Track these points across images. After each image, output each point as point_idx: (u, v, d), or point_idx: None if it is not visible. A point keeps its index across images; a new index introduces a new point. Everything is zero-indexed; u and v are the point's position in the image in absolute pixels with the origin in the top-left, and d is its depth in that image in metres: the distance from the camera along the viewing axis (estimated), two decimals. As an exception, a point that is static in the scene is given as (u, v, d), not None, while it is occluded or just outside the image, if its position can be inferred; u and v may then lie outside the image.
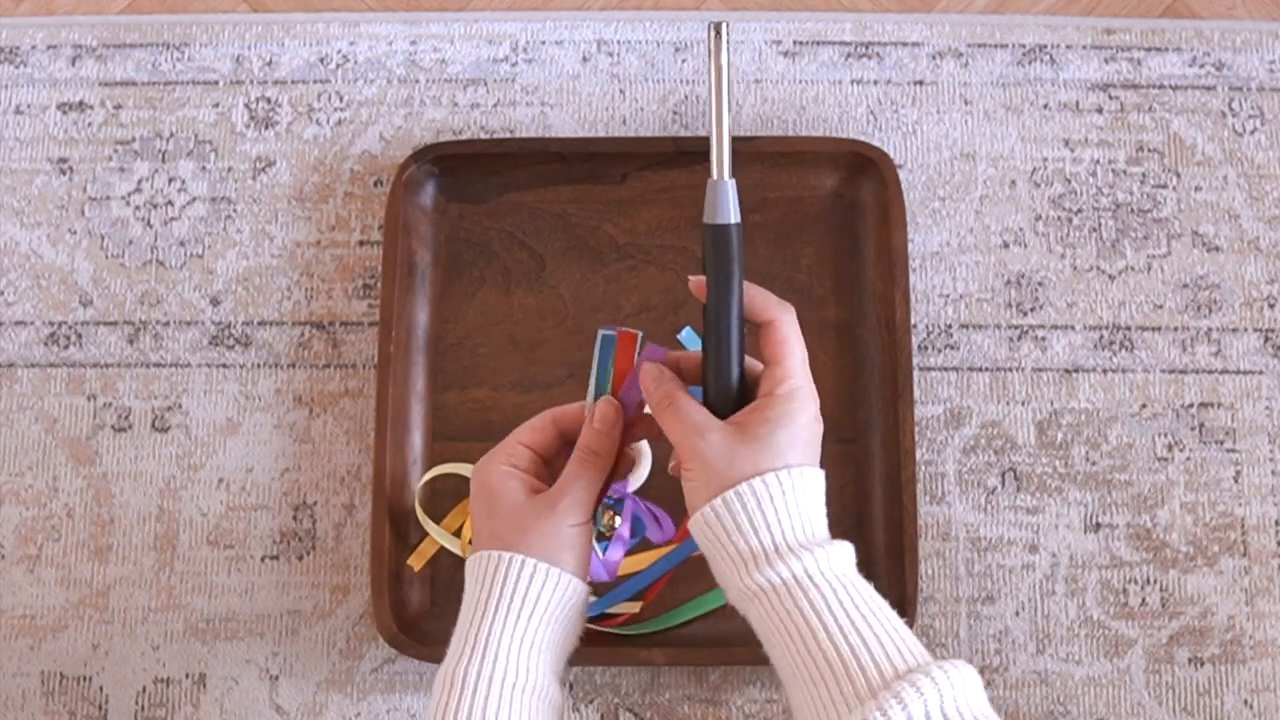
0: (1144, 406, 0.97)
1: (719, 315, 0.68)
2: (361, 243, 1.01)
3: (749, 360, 0.70)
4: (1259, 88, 1.02)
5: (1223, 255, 0.99)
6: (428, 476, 0.93)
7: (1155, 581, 0.94)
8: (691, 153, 0.98)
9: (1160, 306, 0.98)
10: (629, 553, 0.91)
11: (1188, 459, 0.96)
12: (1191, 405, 0.97)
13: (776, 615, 0.64)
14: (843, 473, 0.93)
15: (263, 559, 0.95)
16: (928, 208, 1.00)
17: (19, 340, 0.99)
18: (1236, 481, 0.95)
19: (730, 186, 0.68)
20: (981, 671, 0.69)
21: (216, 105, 1.03)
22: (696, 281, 0.69)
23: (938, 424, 0.96)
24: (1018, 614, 0.93)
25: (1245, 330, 0.98)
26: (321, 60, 1.04)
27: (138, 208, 1.02)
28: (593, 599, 0.90)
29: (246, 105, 1.03)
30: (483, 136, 1.02)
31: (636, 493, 0.93)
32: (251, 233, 1.01)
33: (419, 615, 0.92)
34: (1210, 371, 0.97)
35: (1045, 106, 1.02)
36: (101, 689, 0.94)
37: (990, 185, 1.01)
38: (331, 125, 1.03)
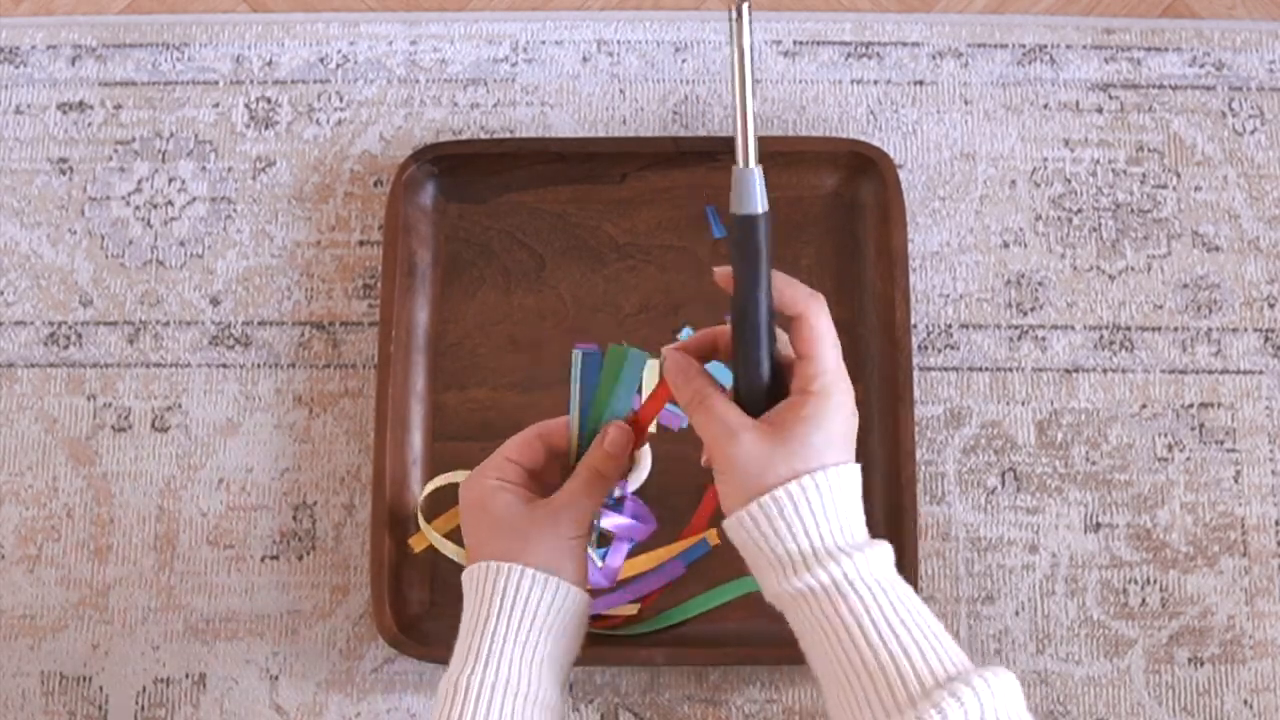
0: (1144, 406, 0.97)
1: (747, 309, 0.65)
2: (361, 243, 1.01)
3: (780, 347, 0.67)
4: (1259, 88, 1.02)
5: (1223, 255, 0.99)
6: (429, 489, 0.93)
7: (1155, 581, 0.94)
8: (691, 153, 0.98)
9: (1160, 306, 0.98)
10: (630, 555, 0.91)
11: (1188, 459, 0.96)
12: (1191, 405, 0.97)
13: (815, 619, 0.63)
14: (843, 473, 0.93)
15: (263, 559, 0.95)
16: (928, 208, 1.00)
17: (19, 340, 0.99)
18: (1236, 481, 0.95)
19: (757, 174, 0.65)
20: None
21: (216, 105, 1.03)
22: (723, 273, 0.66)
23: (938, 424, 0.96)
24: (1018, 614, 0.93)
25: (1245, 330, 0.98)
26: (321, 60, 1.04)
27: (138, 208, 1.02)
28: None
29: (246, 105, 1.03)
30: (483, 136, 1.02)
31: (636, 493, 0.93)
32: (251, 233, 1.01)
33: (419, 615, 0.92)
34: (1210, 371, 0.97)
35: (1045, 106, 1.02)
36: (101, 689, 0.94)
37: (990, 185, 1.01)
38: (331, 125, 1.03)
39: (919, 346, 0.97)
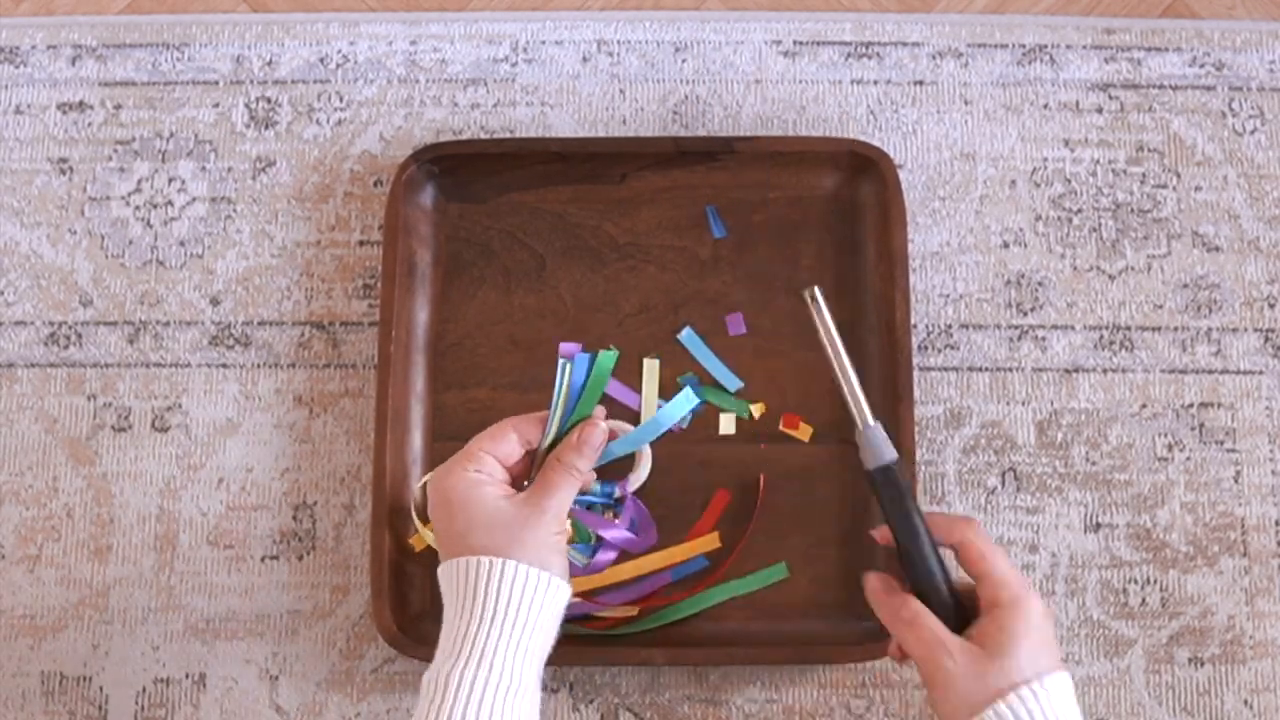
0: (1144, 406, 0.97)
1: (915, 555, 0.71)
2: (361, 243, 1.01)
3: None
4: (1259, 88, 1.02)
5: (1223, 255, 0.99)
6: (422, 481, 0.93)
7: (1155, 581, 0.94)
8: (691, 153, 0.98)
9: (1160, 306, 0.98)
10: (630, 556, 0.91)
11: (1188, 459, 0.96)
12: (1191, 405, 0.97)
13: None
14: (843, 473, 0.93)
15: (263, 559, 0.95)
16: (928, 208, 1.00)
17: (19, 340, 0.99)
18: (1236, 481, 0.95)
19: (879, 429, 0.72)
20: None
21: (216, 105, 1.03)
22: (881, 533, 0.73)
23: (938, 424, 0.96)
24: (1018, 614, 0.93)
25: (1245, 330, 0.98)
26: (321, 60, 1.04)
27: (138, 208, 1.02)
28: (575, 600, 0.90)
29: (246, 105, 1.03)
30: (483, 136, 1.02)
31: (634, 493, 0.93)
32: (251, 233, 1.01)
33: (419, 615, 0.92)
34: (1210, 371, 0.97)
35: (1045, 106, 1.02)
36: (101, 689, 0.94)
37: (990, 185, 1.01)
38: (331, 125, 1.03)
39: (919, 346, 0.97)
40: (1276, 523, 0.95)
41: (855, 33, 1.04)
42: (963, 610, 0.71)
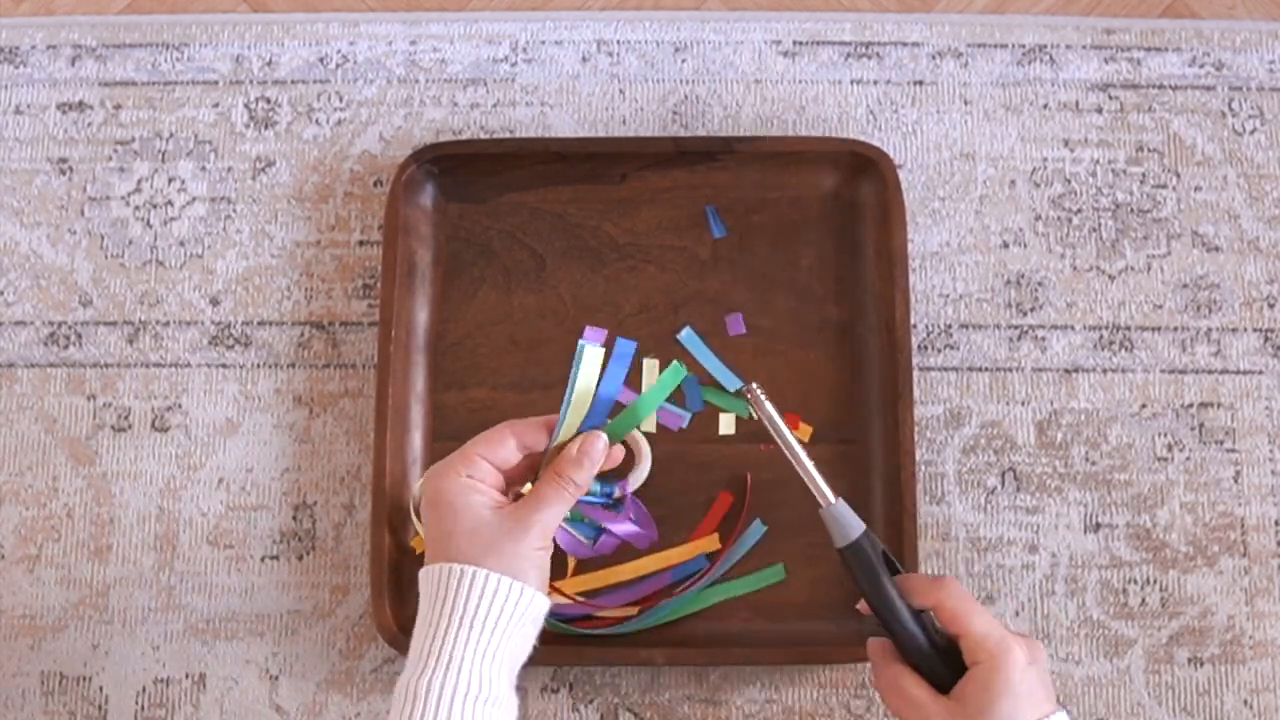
0: (1144, 406, 0.97)
1: (893, 624, 0.73)
2: (361, 243, 1.01)
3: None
4: (1259, 88, 1.02)
5: (1223, 255, 0.99)
6: (421, 481, 0.93)
7: (1155, 581, 0.94)
8: (691, 153, 0.98)
9: (1160, 306, 0.98)
10: (632, 555, 0.91)
11: (1188, 459, 0.96)
12: (1191, 405, 0.97)
13: None
14: (842, 473, 0.93)
15: (263, 559, 0.95)
16: (928, 208, 1.00)
17: (19, 340, 0.99)
18: (1236, 481, 0.95)
19: (841, 504, 0.74)
20: (981, 672, 0.71)
21: (216, 105, 1.03)
22: (863, 605, 0.74)
23: (938, 424, 0.96)
24: (1018, 614, 0.93)
25: (1245, 330, 0.98)
26: (321, 60, 1.04)
27: (138, 208, 1.02)
28: (561, 600, 0.90)
29: (246, 105, 1.03)
30: (483, 136, 1.02)
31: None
32: (251, 233, 1.01)
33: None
34: (1210, 371, 0.97)
35: (1045, 106, 1.02)
36: (101, 689, 0.94)
37: (990, 185, 1.01)
38: (331, 125, 1.03)
39: (919, 346, 0.97)
40: (1276, 523, 0.95)
41: (855, 33, 1.04)
42: (958, 661, 0.72)
